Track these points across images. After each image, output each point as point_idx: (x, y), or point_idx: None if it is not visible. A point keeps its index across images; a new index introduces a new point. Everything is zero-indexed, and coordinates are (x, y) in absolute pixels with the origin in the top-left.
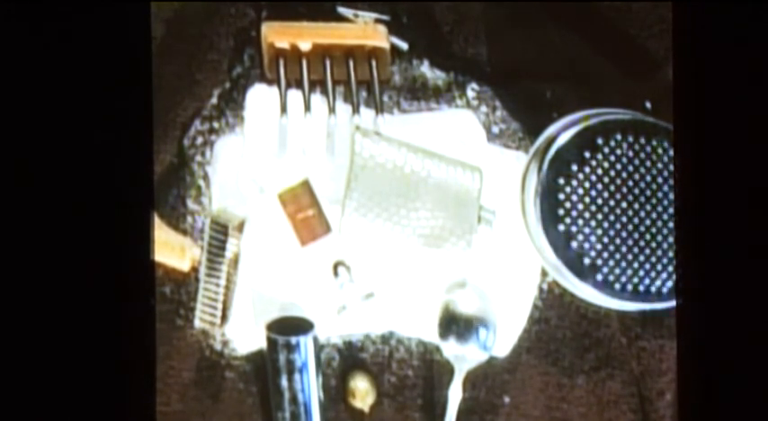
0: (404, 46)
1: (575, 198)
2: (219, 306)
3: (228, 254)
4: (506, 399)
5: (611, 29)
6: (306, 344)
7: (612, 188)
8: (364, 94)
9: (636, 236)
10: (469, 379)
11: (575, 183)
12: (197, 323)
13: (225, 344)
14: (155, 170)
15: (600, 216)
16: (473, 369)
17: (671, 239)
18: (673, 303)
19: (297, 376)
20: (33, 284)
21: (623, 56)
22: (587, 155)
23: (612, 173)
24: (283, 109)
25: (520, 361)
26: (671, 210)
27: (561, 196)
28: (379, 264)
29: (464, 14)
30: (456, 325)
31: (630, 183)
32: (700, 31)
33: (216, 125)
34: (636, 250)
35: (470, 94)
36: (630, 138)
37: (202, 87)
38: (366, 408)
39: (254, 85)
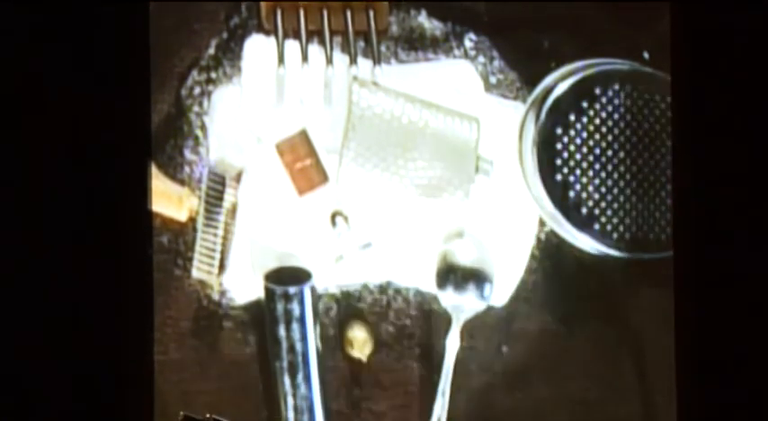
0: None
1: (572, 148)
2: (217, 256)
3: (226, 204)
4: (504, 349)
5: None
6: (303, 293)
7: (610, 138)
8: (362, 44)
9: (633, 185)
10: (467, 328)
11: (572, 132)
12: (195, 273)
13: (223, 293)
14: (152, 120)
15: (597, 165)
16: (471, 318)
17: (668, 189)
18: (670, 252)
19: (294, 326)
20: (32, 234)
21: (621, 6)
22: (585, 105)
23: (610, 122)
24: (281, 59)
25: (517, 310)
26: (668, 160)
27: (559, 146)
28: (376, 214)
29: None
30: (454, 275)
31: (628, 132)
32: None
33: (213, 75)
34: (633, 199)
35: (468, 44)
36: (628, 88)
37: (200, 37)
38: (364, 358)
39: (252, 36)
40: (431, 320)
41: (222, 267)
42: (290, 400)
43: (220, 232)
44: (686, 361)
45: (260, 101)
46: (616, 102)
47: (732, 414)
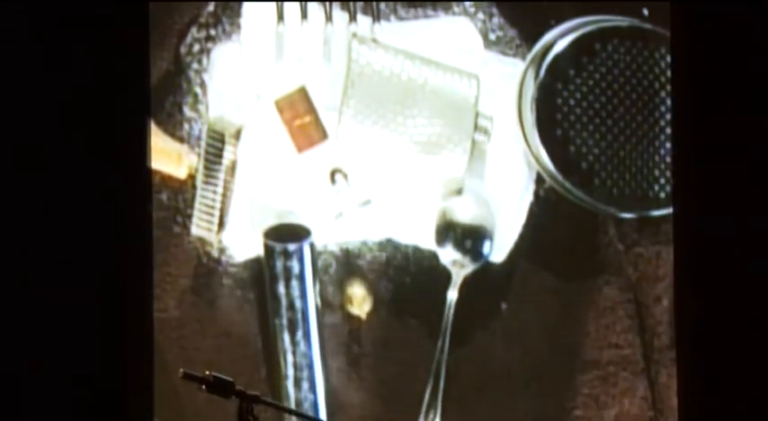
0: None
1: (572, 103)
2: (216, 213)
3: (225, 161)
4: (503, 305)
5: None
6: (303, 250)
7: (610, 94)
8: (361, 1)
9: (633, 141)
10: (466, 284)
11: (572, 88)
12: (194, 230)
13: (222, 251)
14: (151, 77)
15: (597, 122)
16: (470, 275)
17: (668, 145)
18: (670, 209)
19: (294, 283)
20: (32, 191)
21: None
22: (584, 61)
23: (610, 78)
24: (280, 17)
25: (516, 267)
26: (668, 117)
27: (558, 102)
28: (376, 171)
29: None
30: (453, 231)
31: (628, 88)
32: None
33: (213, 33)
34: (633, 156)
35: (467, 1)
36: (628, 45)
37: None
38: (363, 315)
39: None
40: (430, 277)
41: (221, 224)
42: (290, 357)
43: (220, 189)
44: (686, 317)
45: (259, 58)
46: (615, 58)
47: (731, 367)
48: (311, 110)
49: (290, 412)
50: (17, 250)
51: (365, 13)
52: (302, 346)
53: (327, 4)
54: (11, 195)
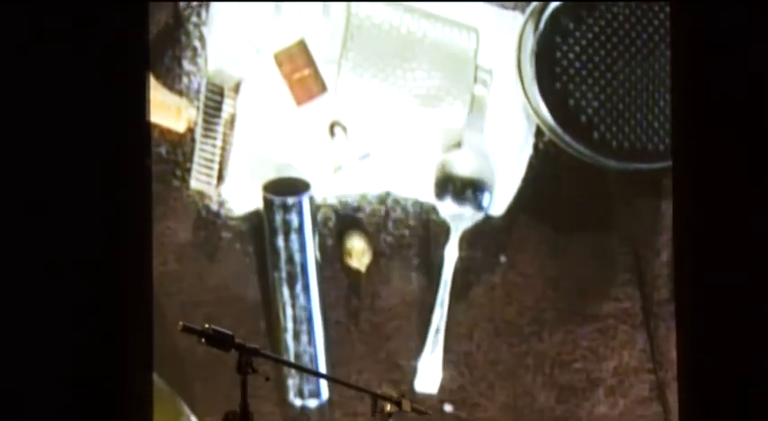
0: None
1: (571, 56)
2: (216, 166)
3: (224, 114)
4: (502, 258)
5: None
6: (302, 204)
7: (609, 47)
8: None
9: (632, 95)
10: (466, 238)
11: (571, 41)
12: (193, 183)
13: (221, 204)
14: (150, 31)
15: (596, 75)
16: (469, 228)
17: (667, 98)
18: (669, 162)
19: (293, 236)
20: (32, 144)
21: None
22: (584, 14)
23: (609, 31)
24: None
25: (516, 220)
26: (667, 69)
27: (558, 55)
28: (375, 124)
29: None
30: (452, 184)
31: (627, 41)
32: None
33: None
34: (632, 109)
35: None
36: None
37: None
38: (362, 268)
39: None
40: (429, 230)
41: (221, 178)
42: (289, 310)
43: (219, 143)
44: (685, 269)
45: (258, 11)
46: (614, 11)
47: (730, 319)
48: (310, 63)
49: (290, 365)
50: (16, 202)
51: None
52: (301, 299)
53: None
54: (8, 148)
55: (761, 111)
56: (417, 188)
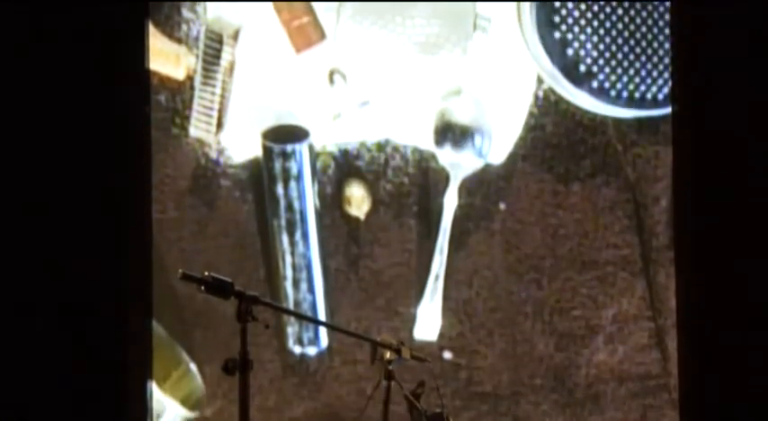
0: None
1: (570, 4)
2: (215, 114)
3: (224, 62)
4: (502, 206)
5: None
6: (301, 151)
7: None
8: None
9: (632, 42)
10: (465, 186)
11: None
12: (192, 131)
13: (220, 152)
14: None
15: (596, 22)
16: (469, 176)
17: (667, 46)
18: (668, 110)
19: (292, 184)
20: (30, 90)
21: None
22: None
23: None
24: None
25: (515, 168)
26: (667, 17)
27: (557, 4)
28: (374, 72)
29: None
30: (452, 132)
31: None
32: None
33: None
34: (632, 57)
35: None
36: None
37: None
38: (362, 216)
39: None
40: (429, 178)
41: (220, 125)
42: (289, 258)
43: (218, 90)
44: (684, 216)
45: None
46: None
47: (729, 266)
48: (309, 10)
49: (289, 313)
50: (17, 150)
51: None
52: (301, 247)
53: None
54: (6, 93)
55: (762, 58)
56: (417, 136)
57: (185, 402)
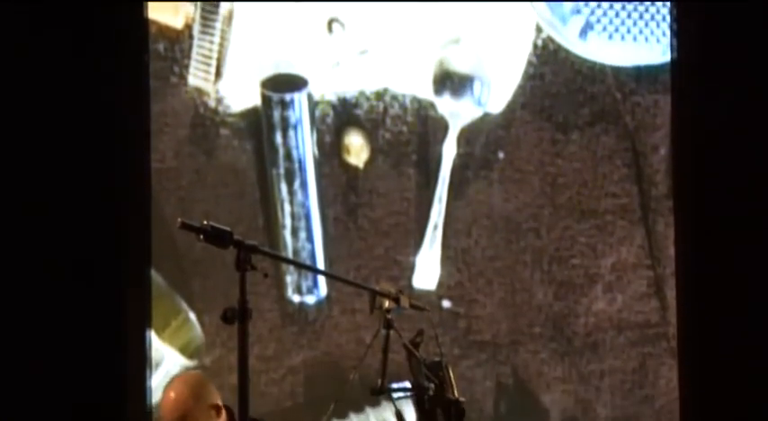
0: None
1: None
2: (213, 63)
3: (222, 10)
4: (501, 155)
5: None
6: (300, 100)
7: None
8: None
9: None
10: (464, 135)
11: None
12: (191, 80)
13: (219, 101)
14: None
15: None
16: (467, 125)
17: None
18: (668, 58)
19: (291, 132)
20: (28, 37)
21: None
22: None
23: None
24: None
25: (514, 117)
26: None
27: None
28: (373, 21)
29: None
30: (450, 81)
31: None
32: None
33: None
34: (630, 5)
35: None
36: None
37: None
38: (360, 164)
39: None
40: (427, 127)
41: (218, 74)
42: (287, 207)
43: (216, 39)
44: (683, 165)
45: None
46: None
47: (728, 213)
48: None
49: (288, 261)
50: (15, 104)
51: None
52: (299, 196)
53: None
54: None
55: (763, 5)
56: (415, 84)
57: (184, 351)
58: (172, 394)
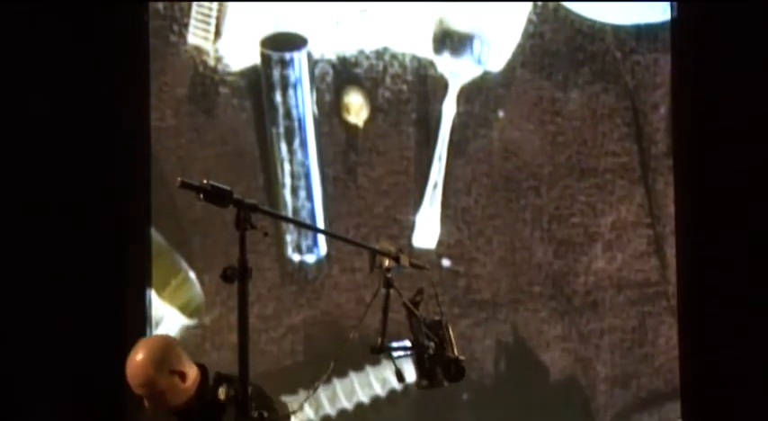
0: None
1: None
2: (213, 22)
3: None
4: (500, 114)
5: None
6: (300, 59)
7: None
8: None
9: None
10: (464, 93)
11: None
12: (191, 39)
13: (218, 60)
14: None
15: None
16: (467, 83)
17: None
18: (668, 16)
19: (291, 91)
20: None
21: None
22: None
23: None
24: None
25: (514, 75)
26: None
27: None
28: None
29: None
30: (450, 40)
31: None
32: None
33: None
34: None
35: None
36: None
37: None
38: (360, 123)
39: None
40: (427, 85)
41: (218, 33)
42: (287, 166)
43: None
44: (683, 124)
45: None
46: None
47: (728, 171)
48: None
49: (288, 220)
50: (15, 67)
51: None
52: (299, 155)
53: None
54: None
55: None
56: (415, 43)
57: (184, 310)
58: (134, 362)
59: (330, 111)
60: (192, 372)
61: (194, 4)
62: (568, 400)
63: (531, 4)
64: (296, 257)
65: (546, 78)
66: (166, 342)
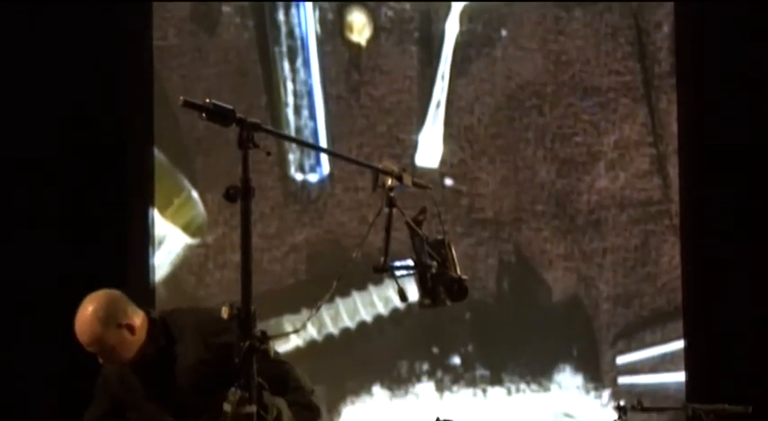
0: None
1: None
2: None
3: None
4: (503, 32)
5: None
6: None
7: None
8: None
9: None
10: (466, 12)
11: None
12: None
13: None
14: None
15: None
16: (470, 2)
17: None
18: None
19: (293, 10)
20: None
21: None
22: None
23: None
24: None
25: None
26: None
27: None
28: None
29: None
30: None
31: None
32: None
33: None
34: None
35: None
36: None
37: None
38: (363, 42)
39: None
40: (430, 4)
41: None
42: (290, 85)
43: None
44: (686, 42)
45: None
46: None
47: (730, 91)
48: None
49: (290, 139)
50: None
51: None
52: (302, 74)
53: None
54: None
55: None
56: None
57: (187, 229)
58: (80, 321)
59: (333, 29)
60: (139, 320)
61: None
62: (571, 319)
63: None
64: (299, 176)
65: None
66: (110, 297)
